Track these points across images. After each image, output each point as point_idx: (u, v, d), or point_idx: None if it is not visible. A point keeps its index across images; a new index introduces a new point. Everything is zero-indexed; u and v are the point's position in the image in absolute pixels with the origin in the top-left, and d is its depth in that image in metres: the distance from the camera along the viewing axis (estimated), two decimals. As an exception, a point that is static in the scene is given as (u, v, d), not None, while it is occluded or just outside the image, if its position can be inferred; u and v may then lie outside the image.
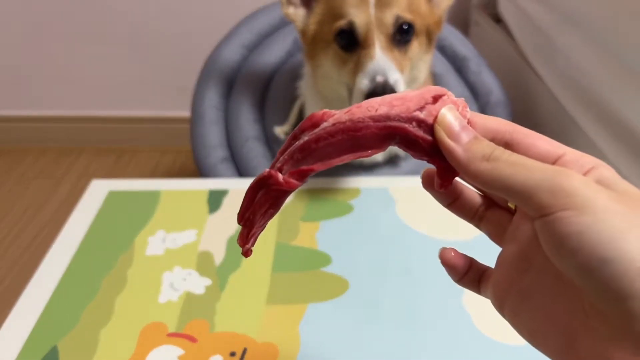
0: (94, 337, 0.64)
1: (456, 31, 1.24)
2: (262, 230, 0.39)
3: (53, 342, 0.64)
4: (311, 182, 0.93)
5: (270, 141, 1.13)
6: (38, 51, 1.79)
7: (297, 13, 0.92)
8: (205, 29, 1.63)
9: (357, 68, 0.84)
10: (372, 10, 0.83)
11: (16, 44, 1.77)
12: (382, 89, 0.78)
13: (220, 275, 0.74)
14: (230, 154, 1.14)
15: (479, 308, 0.68)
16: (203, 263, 0.76)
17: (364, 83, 0.81)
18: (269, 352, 0.62)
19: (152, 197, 0.90)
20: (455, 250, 0.43)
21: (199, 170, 1.14)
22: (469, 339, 0.64)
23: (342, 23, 0.84)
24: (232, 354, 0.62)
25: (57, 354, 0.62)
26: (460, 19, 1.61)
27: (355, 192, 0.91)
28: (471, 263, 0.42)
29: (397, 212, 0.86)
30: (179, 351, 0.62)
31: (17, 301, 0.70)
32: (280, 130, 1.11)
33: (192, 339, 0.64)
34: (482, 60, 1.19)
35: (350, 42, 0.85)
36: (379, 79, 0.78)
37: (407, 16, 0.83)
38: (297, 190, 0.90)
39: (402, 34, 0.84)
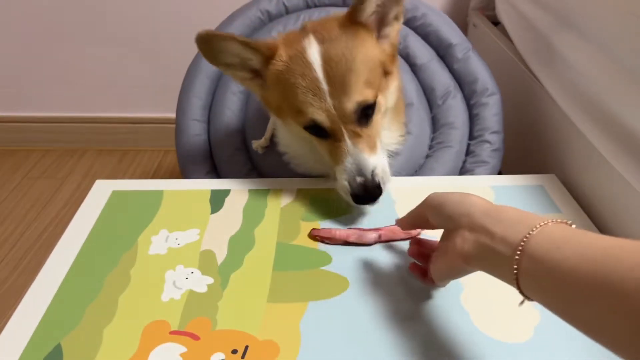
0: (98, 335, 0.65)
1: (443, 16, 1.19)
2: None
3: (57, 340, 0.65)
4: (311, 183, 0.94)
5: (250, 152, 1.10)
6: (41, 52, 1.79)
7: (253, 83, 0.87)
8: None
9: (334, 156, 0.81)
10: (329, 104, 0.78)
11: (20, 45, 1.78)
12: (364, 191, 0.79)
13: (222, 274, 0.75)
14: (213, 166, 1.12)
15: (477, 306, 0.69)
16: (205, 262, 0.77)
17: (345, 186, 0.80)
18: (270, 350, 0.63)
19: (155, 197, 0.91)
20: (413, 265, 0.73)
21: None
22: (468, 337, 0.64)
23: (304, 120, 0.80)
24: (234, 352, 0.63)
25: (61, 352, 0.63)
26: (458, 21, 1.60)
27: (356, 192, 0.91)
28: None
29: (397, 211, 0.87)
30: (182, 349, 0.63)
31: (22, 300, 0.71)
32: (256, 144, 1.07)
33: (194, 337, 0.65)
34: (469, 46, 1.14)
35: (320, 133, 0.81)
36: (359, 180, 0.79)
37: (367, 94, 0.78)
38: (297, 190, 0.90)
39: (366, 112, 0.80)
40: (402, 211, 0.86)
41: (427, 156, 1.06)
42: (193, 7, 1.65)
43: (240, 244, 0.80)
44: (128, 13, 1.71)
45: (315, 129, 0.81)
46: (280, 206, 0.88)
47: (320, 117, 0.79)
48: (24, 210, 1.61)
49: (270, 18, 1.23)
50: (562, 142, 0.99)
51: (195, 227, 0.84)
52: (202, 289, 0.72)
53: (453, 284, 0.72)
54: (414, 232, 0.79)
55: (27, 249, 1.43)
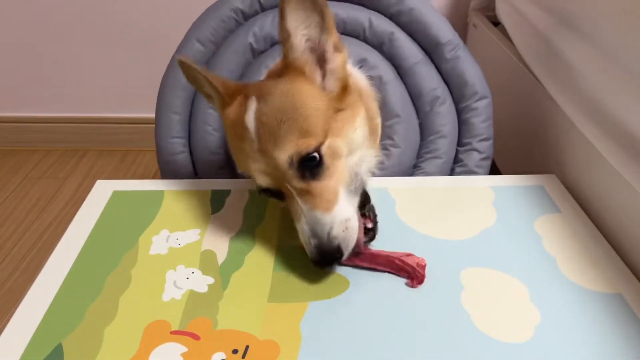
0: (99, 335, 0.65)
1: (431, 9, 1.08)
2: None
3: (58, 340, 0.65)
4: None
5: (235, 169, 1.03)
6: (41, 52, 1.80)
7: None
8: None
9: (294, 215, 0.75)
10: (265, 164, 0.74)
11: (22, 46, 1.78)
12: (319, 255, 0.71)
13: (222, 274, 0.75)
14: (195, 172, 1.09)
15: (477, 306, 0.69)
16: (206, 262, 0.77)
17: (307, 248, 0.73)
18: (270, 349, 0.63)
19: (156, 197, 0.91)
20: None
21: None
22: (468, 337, 0.64)
23: (256, 186, 0.77)
24: (235, 352, 0.63)
25: (62, 352, 0.63)
26: (458, 22, 1.61)
27: (356, 192, 0.91)
28: None
29: (397, 211, 0.87)
30: (182, 349, 0.63)
31: (23, 300, 0.71)
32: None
33: (195, 337, 0.65)
34: (459, 44, 1.06)
35: (275, 195, 0.77)
36: (313, 242, 0.71)
37: (302, 145, 0.71)
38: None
39: (309, 166, 0.72)
40: (403, 212, 0.87)
41: (416, 166, 1.04)
42: (193, 7, 1.65)
43: (241, 244, 0.80)
44: (128, 13, 1.71)
45: (268, 192, 0.77)
46: (280, 206, 0.88)
47: (264, 181, 0.75)
48: (25, 211, 1.61)
49: (245, 17, 1.12)
50: (562, 142, 0.99)
51: (196, 227, 0.84)
52: (202, 288, 0.72)
53: (453, 284, 0.72)
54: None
55: (29, 249, 1.44)
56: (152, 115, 1.16)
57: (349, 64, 0.89)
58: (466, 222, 0.84)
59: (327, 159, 0.73)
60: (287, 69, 0.77)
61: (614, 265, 0.76)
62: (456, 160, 1.04)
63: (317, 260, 0.71)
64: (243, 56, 1.10)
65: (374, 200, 0.81)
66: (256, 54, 1.10)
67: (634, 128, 0.76)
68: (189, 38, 1.13)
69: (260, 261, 0.77)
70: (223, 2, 1.13)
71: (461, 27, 1.62)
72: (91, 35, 1.77)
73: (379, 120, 0.98)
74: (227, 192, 0.92)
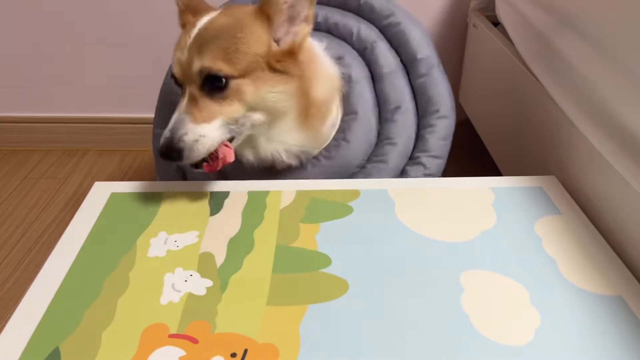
0: (96, 339, 0.65)
1: (419, 26, 1.12)
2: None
3: (55, 344, 0.65)
4: (311, 184, 0.94)
5: None
6: (42, 53, 1.79)
7: None
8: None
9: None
10: (185, 58, 0.85)
11: (20, 46, 1.78)
12: (165, 147, 0.83)
13: (221, 276, 0.74)
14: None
15: (477, 308, 0.68)
16: (204, 264, 0.77)
17: (162, 137, 0.85)
18: (269, 353, 0.63)
19: (154, 199, 0.91)
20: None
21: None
22: (468, 340, 0.64)
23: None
24: (233, 355, 0.62)
25: (59, 356, 0.63)
26: (458, 22, 1.61)
27: (355, 193, 0.91)
28: None
29: (397, 213, 0.86)
30: (181, 352, 0.63)
31: (20, 303, 0.71)
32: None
33: (193, 340, 0.65)
34: (435, 62, 1.09)
35: (178, 85, 0.89)
36: (166, 134, 0.84)
37: (219, 66, 0.82)
38: (296, 192, 0.91)
39: (213, 84, 0.84)
40: (402, 213, 0.87)
41: (362, 167, 1.04)
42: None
43: (240, 246, 0.80)
44: (128, 13, 1.71)
45: (174, 80, 0.89)
46: (279, 208, 0.88)
47: (176, 70, 0.87)
48: (25, 211, 1.61)
49: None
50: (562, 143, 0.99)
51: (195, 230, 0.84)
52: (201, 291, 0.72)
53: (453, 286, 0.72)
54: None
55: (28, 250, 1.43)
56: (152, 115, 1.16)
57: (320, 48, 1.01)
58: (466, 224, 0.84)
59: (229, 92, 0.85)
60: (259, 6, 0.88)
61: (614, 267, 0.75)
62: (403, 171, 1.05)
63: (160, 151, 0.84)
64: None
65: (373, 201, 0.85)
66: None
67: (635, 129, 0.76)
68: None
69: (259, 263, 0.77)
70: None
71: (461, 27, 1.62)
72: (91, 35, 1.76)
73: (332, 108, 1.02)
74: (225, 194, 0.92)
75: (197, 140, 0.83)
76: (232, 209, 0.88)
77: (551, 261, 0.76)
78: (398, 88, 1.08)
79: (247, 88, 0.86)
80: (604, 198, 0.85)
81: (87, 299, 0.71)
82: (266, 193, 0.92)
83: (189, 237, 0.82)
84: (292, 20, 0.89)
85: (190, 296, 0.71)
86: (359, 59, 1.10)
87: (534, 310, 0.68)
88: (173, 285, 0.73)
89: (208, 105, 0.84)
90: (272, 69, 0.87)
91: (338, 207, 0.88)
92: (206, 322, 0.67)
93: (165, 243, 0.81)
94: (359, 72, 1.08)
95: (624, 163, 0.79)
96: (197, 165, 0.87)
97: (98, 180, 0.96)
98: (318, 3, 1.21)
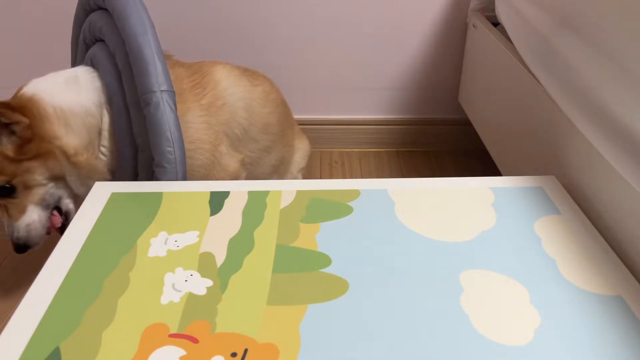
0: (96, 339, 0.65)
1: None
2: None
3: (55, 344, 0.65)
4: (311, 184, 0.94)
5: None
6: (42, 52, 1.79)
7: None
8: (212, 33, 1.64)
9: None
10: None
11: (21, 46, 1.78)
12: (16, 248, 1.06)
13: (221, 276, 0.74)
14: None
15: (477, 308, 0.69)
16: (204, 264, 0.77)
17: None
18: (269, 353, 0.63)
19: (154, 199, 0.91)
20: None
21: None
22: (467, 339, 0.64)
23: None
24: (233, 355, 0.63)
25: (60, 356, 0.63)
26: (458, 22, 1.61)
27: (355, 193, 0.91)
28: None
29: (396, 213, 0.87)
30: (181, 352, 0.63)
31: (20, 303, 0.71)
32: None
33: (193, 340, 0.65)
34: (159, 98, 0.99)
35: None
36: (11, 238, 1.06)
37: None
38: (297, 192, 0.91)
39: (3, 191, 1.00)
40: (402, 213, 0.87)
41: None
42: (194, 6, 1.64)
43: (240, 246, 0.80)
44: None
45: None
46: (279, 208, 0.88)
47: None
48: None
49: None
50: (562, 143, 0.99)
51: (195, 229, 0.84)
52: (201, 291, 0.72)
53: (453, 286, 0.72)
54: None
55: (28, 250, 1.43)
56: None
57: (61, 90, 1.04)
58: (465, 224, 0.84)
59: (19, 188, 1.01)
60: None
61: (614, 267, 0.75)
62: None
63: (15, 250, 1.04)
64: None
65: (373, 201, 0.85)
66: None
67: (635, 129, 0.76)
68: None
69: (259, 263, 0.77)
70: None
71: (461, 27, 1.62)
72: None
73: (93, 153, 1.07)
74: (225, 194, 0.92)
75: (28, 230, 1.04)
76: (232, 209, 0.88)
77: (551, 261, 0.76)
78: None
79: (28, 178, 1.01)
80: (604, 198, 0.85)
81: (87, 299, 0.71)
82: (266, 193, 0.92)
83: (189, 237, 0.82)
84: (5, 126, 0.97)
85: (191, 296, 0.71)
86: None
87: (533, 310, 0.68)
88: (173, 285, 0.73)
89: (12, 203, 1.02)
90: (26, 160, 0.99)
91: (338, 207, 0.88)
92: (206, 322, 0.67)
93: (165, 243, 0.81)
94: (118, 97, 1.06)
95: (624, 163, 0.79)
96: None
97: (96, 181, 0.96)
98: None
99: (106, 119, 1.06)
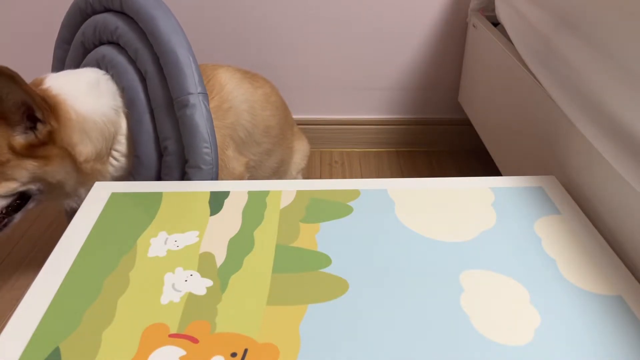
0: (96, 338, 0.65)
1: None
2: None
3: (55, 344, 0.65)
4: (311, 184, 0.94)
5: None
6: (42, 52, 1.80)
7: None
8: (213, 33, 1.64)
9: None
10: None
11: (21, 45, 1.78)
12: None
13: (221, 276, 0.74)
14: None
15: (477, 308, 0.68)
16: (204, 264, 0.77)
17: None
18: (269, 353, 0.63)
19: (154, 199, 0.91)
20: None
21: None
22: (467, 340, 0.64)
23: None
24: (233, 355, 0.62)
25: (60, 355, 0.63)
26: (458, 22, 1.61)
27: (355, 193, 0.91)
28: None
29: (397, 213, 0.87)
30: (181, 352, 0.63)
31: (20, 302, 0.71)
32: None
33: (193, 340, 0.65)
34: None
35: None
36: None
37: None
38: (297, 192, 0.91)
39: None
40: (402, 213, 0.87)
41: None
42: (194, 6, 1.64)
43: (240, 246, 0.80)
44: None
45: None
46: (279, 208, 0.88)
47: None
48: (25, 211, 1.61)
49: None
50: (562, 143, 0.99)
51: (195, 229, 0.84)
52: (201, 291, 0.72)
53: (453, 286, 0.72)
54: None
55: (28, 250, 1.43)
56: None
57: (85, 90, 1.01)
58: (465, 224, 0.84)
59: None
60: None
61: (614, 267, 0.75)
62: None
63: None
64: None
65: (373, 201, 0.85)
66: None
67: (635, 129, 0.76)
68: None
69: (259, 263, 0.77)
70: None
71: (461, 27, 1.62)
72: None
73: (101, 159, 1.04)
74: (225, 194, 0.92)
75: None
76: (232, 209, 0.88)
77: (551, 261, 0.76)
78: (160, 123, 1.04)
79: (7, 174, 0.96)
80: (604, 198, 0.85)
81: (87, 299, 0.71)
82: (266, 193, 0.92)
83: (189, 237, 0.82)
84: (31, 118, 0.94)
85: (191, 296, 0.71)
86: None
87: (533, 310, 0.68)
88: (173, 285, 0.73)
89: None
90: (28, 157, 0.95)
91: (338, 207, 0.88)
92: (206, 322, 0.67)
93: (165, 243, 0.81)
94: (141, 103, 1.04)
95: (624, 163, 0.79)
96: None
97: (96, 181, 0.96)
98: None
99: (124, 123, 1.05)
